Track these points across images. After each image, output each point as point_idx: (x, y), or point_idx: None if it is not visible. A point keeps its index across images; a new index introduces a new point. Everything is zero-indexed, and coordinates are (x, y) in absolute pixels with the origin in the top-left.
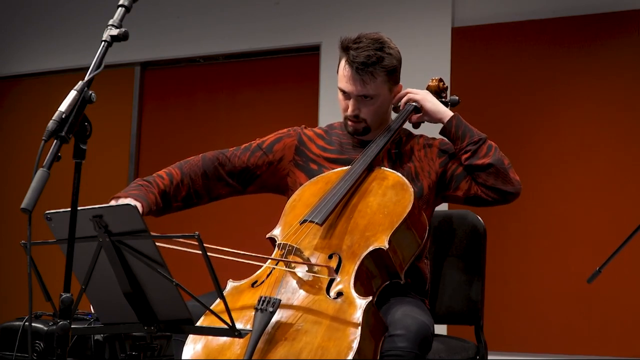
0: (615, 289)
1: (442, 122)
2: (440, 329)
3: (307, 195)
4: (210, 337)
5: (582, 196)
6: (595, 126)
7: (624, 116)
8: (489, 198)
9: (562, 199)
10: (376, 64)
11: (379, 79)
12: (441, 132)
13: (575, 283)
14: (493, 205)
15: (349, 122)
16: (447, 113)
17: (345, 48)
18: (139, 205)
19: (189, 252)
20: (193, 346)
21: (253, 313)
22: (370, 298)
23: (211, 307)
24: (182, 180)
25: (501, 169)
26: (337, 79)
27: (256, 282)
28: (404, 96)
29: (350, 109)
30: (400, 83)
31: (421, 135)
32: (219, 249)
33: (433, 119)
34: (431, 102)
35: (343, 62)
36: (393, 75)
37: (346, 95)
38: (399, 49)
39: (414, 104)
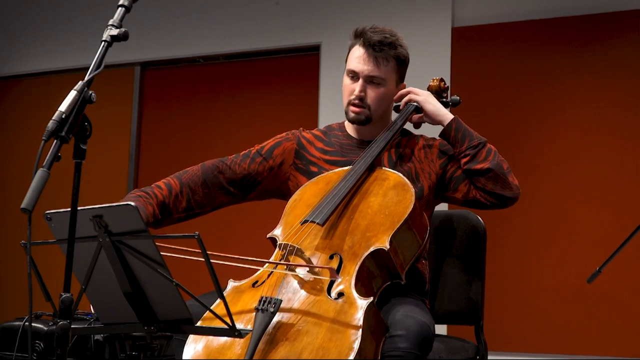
0: (615, 289)
1: (442, 125)
2: (440, 329)
3: (308, 195)
4: (210, 337)
5: (582, 196)
6: (595, 126)
7: (624, 116)
8: (487, 202)
9: (562, 199)
10: (391, 46)
11: (390, 64)
12: (441, 135)
13: (575, 283)
14: (491, 209)
15: (352, 107)
16: (447, 116)
17: (360, 33)
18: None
19: (191, 255)
20: (194, 346)
21: (254, 313)
22: (371, 299)
23: (211, 307)
24: (181, 191)
25: (500, 174)
26: (337, 78)
27: (257, 282)
28: (405, 95)
29: (357, 90)
30: (405, 83)
31: (421, 136)
32: (220, 255)
33: (433, 121)
34: (432, 104)
35: (356, 47)
36: (402, 67)
37: (354, 77)
38: None
39: (414, 104)
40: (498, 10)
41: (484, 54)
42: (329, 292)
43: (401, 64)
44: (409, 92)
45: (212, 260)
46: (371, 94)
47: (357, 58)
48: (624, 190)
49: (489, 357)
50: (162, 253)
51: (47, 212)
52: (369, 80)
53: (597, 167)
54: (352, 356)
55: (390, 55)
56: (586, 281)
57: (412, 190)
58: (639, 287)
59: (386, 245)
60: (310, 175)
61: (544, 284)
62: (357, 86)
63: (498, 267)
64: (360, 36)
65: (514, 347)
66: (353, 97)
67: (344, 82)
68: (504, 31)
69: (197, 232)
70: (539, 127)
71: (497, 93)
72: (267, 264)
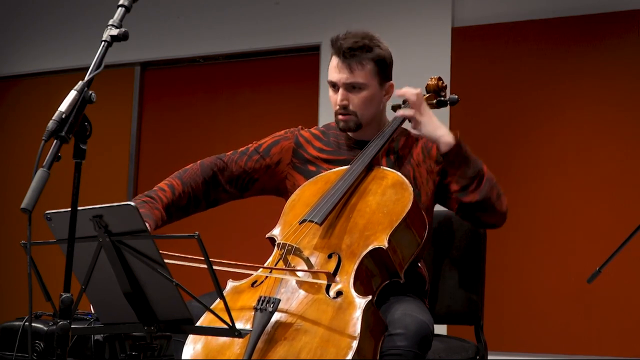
0: (615, 289)
1: (439, 147)
2: (440, 329)
3: (307, 194)
4: (210, 337)
5: (582, 196)
6: (595, 126)
7: (624, 116)
8: (473, 223)
9: (562, 199)
10: (363, 49)
11: (367, 68)
12: (442, 156)
13: (575, 283)
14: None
15: (339, 117)
16: (444, 138)
17: (334, 41)
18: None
19: (192, 255)
20: (193, 346)
21: (253, 313)
22: (370, 297)
23: (211, 307)
24: (183, 190)
25: (487, 206)
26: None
27: (256, 282)
28: (409, 114)
29: (339, 99)
30: (393, 82)
31: (419, 137)
32: (222, 262)
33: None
34: (427, 129)
35: (332, 57)
36: (383, 68)
37: (335, 88)
38: (396, 48)
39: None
40: (498, 10)
41: (484, 54)
42: (327, 291)
43: (381, 64)
44: (413, 110)
45: (216, 268)
46: (354, 100)
47: (333, 68)
48: (624, 190)
49: (489, 357)
50: (168, 261)
51: (47, 212)
52: (349, 87)
53: (597, 167)
54: (350, 355)
55: (365, 59)
56: (586, 281)
57: (411, 189)
58: (639, 287)
59: (384, 244)
60: (307, 174)
61: (544, 284)
62: (339, 95)
63: (498, 267)
64: (334, 45)
65: (514, 347)
66: (337, 107)
67: (329, 94)
68: (504, 31)
69: (197, 232)
70: (539, 127)
71: (497, 93)
72: (266, 267)
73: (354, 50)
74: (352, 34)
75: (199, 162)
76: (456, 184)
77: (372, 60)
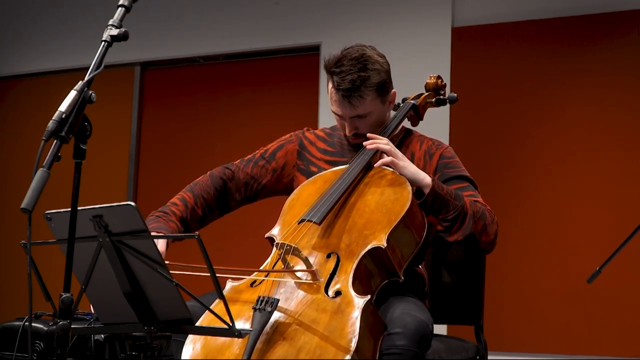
0: (615, 289)
1: (422, 189)
2: (440, 329)
3: (306, 194)
4: (209, 337)
5: (582, 196)
6: (595, 126)
7: (623, 116)
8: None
9: (562, 199)
10: (361, 86)
11: (368, 98)
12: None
13: (575, 283)
14: None
15: (351, 138)
16: (426, 180)
17: (330, 72)
18: (161, 243)
19: (192, 254)
20: (192, 346)
21: (251, 313)
22: (369, 297)
23: (211, 307)
24: (196, 203)
25: (472, 241)
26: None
27: (255, 282)
28: (387, 159)
29: (347, 130)
30: (395, 90)
31: (424, 140)
32: (225, 269)
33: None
34: (410, 170)
35: (330, 85)
36: (383, 89)
37: (340, 116)
38: (396, 48)
39: (412, 102)
40: (498, 10)
41: (484, 54)
42: (326, 291)
43: (380, 88)
44: (391, 159)
45: (220, 276)
46: (362, 126)
47: (336, 102)
48: (624, 190)
49: (489, 357)
50: (175, 272)
51: (47, 212)
52: (355, 118)
53: (597, 167)
54: (349, 355)
55: (365, 93)
56: (586, 281)
57: (409, 188)
58: (639, 287)
59: (383, 243)
60: (310, 176)
61: (544, 284)
62: (347, 126)
63: (498, 267)
64: (330, 75)
65: (514, 347)
66: (347, 134)
67: (332, 113)
68: (504, 31)
69: (197, 233)
70: (539, 127)
71: (497, 93)
72: (257, 273)
73: (354, 90)
74: (346, 67)
75: (208, 173)
76: (439, 225)
77: (372, 89)
